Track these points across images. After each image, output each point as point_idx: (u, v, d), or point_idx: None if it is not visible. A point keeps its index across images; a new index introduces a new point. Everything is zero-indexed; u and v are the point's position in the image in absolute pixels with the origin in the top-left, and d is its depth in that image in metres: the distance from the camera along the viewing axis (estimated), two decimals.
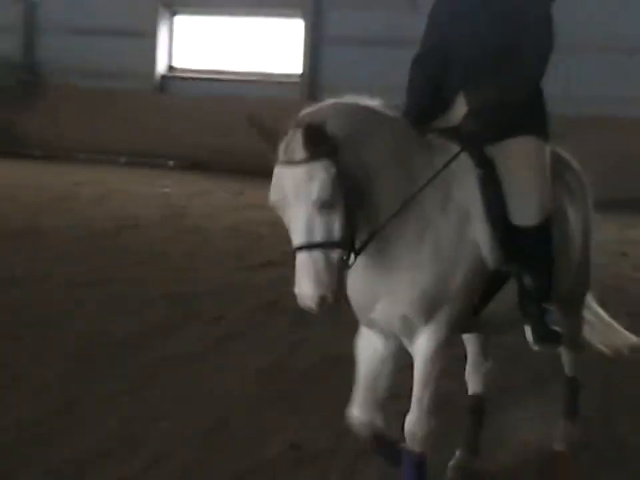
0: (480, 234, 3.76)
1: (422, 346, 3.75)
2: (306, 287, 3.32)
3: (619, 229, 12.47)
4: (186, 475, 4.38)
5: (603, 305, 5.65)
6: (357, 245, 3.56)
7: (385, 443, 4.03)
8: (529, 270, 3.87)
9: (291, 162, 3.33)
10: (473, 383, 4.69)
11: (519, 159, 3.87)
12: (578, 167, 4.60)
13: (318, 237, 3.35)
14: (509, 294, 3.91)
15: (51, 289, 7.79)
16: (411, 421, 3.79)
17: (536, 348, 4.02)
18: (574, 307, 4.68)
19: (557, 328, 3.97)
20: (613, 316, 5.58)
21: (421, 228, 3.71)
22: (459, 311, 3.76)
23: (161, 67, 19.18)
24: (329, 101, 3.66)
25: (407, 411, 3.94)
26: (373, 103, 3.76)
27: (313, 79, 17.90)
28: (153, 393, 5.44)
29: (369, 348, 4.01)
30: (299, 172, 3.31)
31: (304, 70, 18.11)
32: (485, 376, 4.68)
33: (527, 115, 3.91)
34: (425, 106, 3.97)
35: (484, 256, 3.78)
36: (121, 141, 17.97)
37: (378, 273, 3.74)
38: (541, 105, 4.05)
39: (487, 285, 3.82)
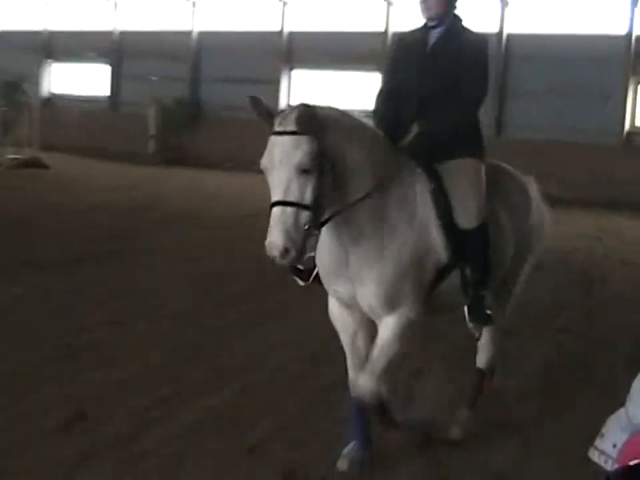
0: (436, 237, 4.40)
1: (386, 329, 4.36)
2: (275, 237, 3.84)
3: (596, 219, 16.42)
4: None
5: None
6: (324, 218, 4.11)
7: (381, 404, 4.52)
8: (470, 263, 4.52)
9: (282, 132, 3.92)
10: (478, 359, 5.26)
11: (462, 176, 4.53)
12: (523, 179, 5.25)
13: (292, 197, 3.88)
14: (452, 282, 4.52)
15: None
16: (364, 379, 4.40)
17: (470, 325, 4.78)
18: (504, 295, 5.19)
19: (489, 311, 4.62)
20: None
21: (390, 229, 4.31)
22: (417, 300, 4.36)
23: None
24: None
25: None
26: (365, 119, 4.41)
27: None
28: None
29: (341, 318, 4.65)
30: (287, 140, 3.90)
31: None
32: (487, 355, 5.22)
33: (466, 141, 4.61)
34: (387, 131, 4.50)
35: (439, 255, 4.41)
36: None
37: (343, 254, 4.32)
38: (478, 133, 4.74)
39: (437, 276, 4.46)
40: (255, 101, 3.98)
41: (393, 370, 4.53)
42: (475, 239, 4.51)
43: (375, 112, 4.69)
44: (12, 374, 5.78)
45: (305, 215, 3.90)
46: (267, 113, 4.00)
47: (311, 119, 3.91)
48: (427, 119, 4.50)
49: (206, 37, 26.28)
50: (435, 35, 4.64)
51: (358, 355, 4.62)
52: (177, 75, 26.07)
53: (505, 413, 5.57)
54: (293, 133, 3.91)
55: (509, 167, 5.24)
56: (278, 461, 4.61)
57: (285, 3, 24.88)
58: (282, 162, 3.89)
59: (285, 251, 3.84)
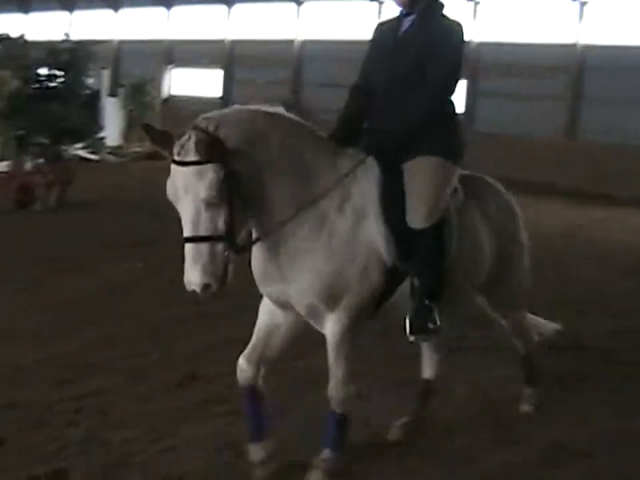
0: (375, 233, 4.12)
1: (330, 330, 4.18)
2: (191, 275, 3.68)
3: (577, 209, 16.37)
4: None
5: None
6: (246, 240, 4.01)
7: (255, 397, 4.34)
8: (416, 268, 4.22)
9: (182, 162, 3.62)
10: (425, 369, 5.06)
11: (419, 172, 4.24)
12: (507, 194, 5.02)
13: (203, 231, 3.67)
14: (405, 291, 4.27)
15: None
16: (331, 387, 4.26)
17: (408, 338, 4.33)
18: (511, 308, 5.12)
19: (431, 325, 4.25)
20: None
21: (318, 225, 4.07)
22: (360, 300, 4.14)
23: None
24: (231, 107, 4.00)
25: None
26: (275, 108, 4.07)
27: None
28: None
29: (269, 312, 4.42)
30: (189, 172, 3.62)
31: None
32: (436, 365, 5.02)
33: (433, 138, 4.28)
34: (347, 128, 4.36)
35: (381, 253, 4.14)
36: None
37: (274, 258, 4.10)
38: (450, 132, 4.42)
39: (387, 280, 4.19)
40: (147, 128, 3.73)
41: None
42: (423, 242, 4.20)
43: (343, 109, 4.49)
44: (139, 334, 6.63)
45: (221, 246, 3.72)
46: (161, 138, 3.71)
47: (211, 144, 3.63)
48: (393, 110, 4.29)
49: (308, 45, 27.84)
50: (407, 22, 4.43)
51: (260, 344, 4.39)
52: (281, 79, 27.54)
53: None
54: (193, 163, 3.63)
55: (494, 181, 5.03)
56: None
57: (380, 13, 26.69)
58: (187, 194, 3.65)
59: (205, 287, 3.71)
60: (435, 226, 4.25)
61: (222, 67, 30.32)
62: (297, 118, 4.19)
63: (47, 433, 4.85)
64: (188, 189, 3.65)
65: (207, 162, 3.65)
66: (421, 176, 4.28)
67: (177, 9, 31.98)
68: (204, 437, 4.84)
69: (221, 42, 30.30)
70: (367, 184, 4.21)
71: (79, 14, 34.91)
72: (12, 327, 6.85)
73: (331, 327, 4.17)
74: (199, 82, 31.01)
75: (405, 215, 4.22)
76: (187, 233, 3.70)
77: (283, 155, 4.00)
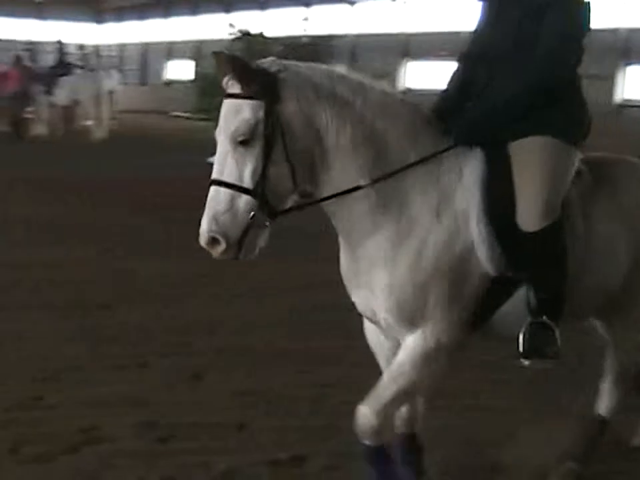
0: (478, 238, 3.42)
1: (403, 351, 3.47)
2: (203, 224, 3.20)
3: None
4: None
5: None
6: (281, 207, 3.32)
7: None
8: (531, 278, 3.50)
9: (227, 94, 3.28)
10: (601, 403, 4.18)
11: (527, 158, 3.49)
12: None
13: (227, 175, 3.21)
14: (517, 304, 3.54)
15: None
16: (364, 408, 3.44)
17: (523, 362, 3.58)
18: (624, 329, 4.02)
19: (549, 348, 3.53)
20: None
21: (404, 226, 3.41)
22: (449, 321, 3.44)
23: None
24: (318, 65, 3.53)
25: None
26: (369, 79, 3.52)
27: None
28: None
29: (373, 337, 3.85)
30: (229, 105, 3.26)
31: None
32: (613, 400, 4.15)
33: (546, 114, 3.52)
34: (450, 99, 3.74)
35: (481, 261, 3.44)
36: None
37: (354, 258, 3.52)
38: (567, 107, 3.59)
39: (492, 290, 3.48)
40: (222, 56, 3.29)
41: (402, 405, 3.67)
42: (537, 246, 3.45)
43: (449, 80, 3.87)
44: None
45: (244, 201, 3.22)
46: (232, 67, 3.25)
47: (257, 80, 3.21)
48: (493, 82, 3.60)
49: None
50: None
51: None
52: None
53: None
54: (235, 95, 3.26)
55: None
56: None
57: None
58: (222, 130, 3.29)
59: (212, 241, 3.23)
60: (552, 225, 3.48)
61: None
62: (390, 90, 3.64)
63: (287, 420, 4.86)
64: (224, 124, 3.28)
65: (247, 97, 3.24)
66: (529, 163, 3.50)
67: (412, 1, 32.00)
68: None
69: (456, 34, 30.00)
70: (468, 174, 3.51)
71: (315, 9, 35.82)
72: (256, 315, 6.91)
73: (407, 347, 3.49)
74: (436, 75, 30.89)
75: (514, 213, 3.49)
76: (213, 174, 3.28)
77: (353, 121, 3.38)
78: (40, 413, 4.81)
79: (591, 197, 3.69)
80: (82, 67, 24.54)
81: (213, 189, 3.24)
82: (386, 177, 3.39)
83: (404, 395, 3.51)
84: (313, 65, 3.50)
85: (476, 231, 3.44)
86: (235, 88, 3.25)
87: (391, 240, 3.40)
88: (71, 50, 26.59)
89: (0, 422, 4.64)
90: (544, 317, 3.52)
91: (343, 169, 3.37)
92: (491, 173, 3.49)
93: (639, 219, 3.81)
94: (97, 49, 34.94)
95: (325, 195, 3.40)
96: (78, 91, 21.50)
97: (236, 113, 3.23)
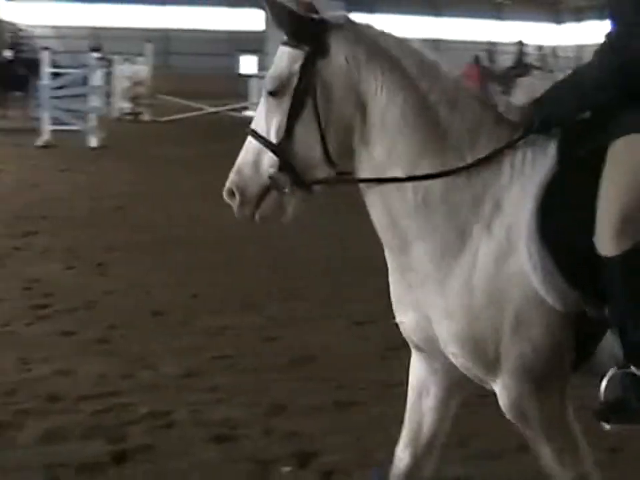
0: (525, 258, 2.71)
1: (502, 403, 2.86)
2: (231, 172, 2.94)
3: None
4: None
5: None
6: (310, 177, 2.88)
7: None
8: (612, 317, 2.71)
9: (282, 42, 2.94)
10: None
11: (617, 164, 2.68)
12: None
13: (259, 127, 2.90)
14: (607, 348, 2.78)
15: None
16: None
17: (607, 427, 2.79)
18: None
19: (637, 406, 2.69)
20: None
21: (457, 241, 2.78)
22: (527, 361, 2.74)
23: None
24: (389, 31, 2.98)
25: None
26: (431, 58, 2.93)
27: None
28: None
29: (412, 365, 3.16)
30: (278, 52, 2.94)
31: None
32: None
33: None
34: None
35: (536, 291, 2.71)
36: None
37: (404, 271, 2.92)
38: None
39: (571, 331, 2.75)
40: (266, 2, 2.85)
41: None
42: (616, 275, 2.66)
43: None
44: None
45: (267, 157, 2.87)
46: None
47: (302, 27, 2.83)
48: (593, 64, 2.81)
49: None
50: None
51: (413, 426, 3.11)
52: None
53: None
54: (284, 43, 2.93)
55: None
56: None
57: None
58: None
59: (230, 193, 2.90)
60: (633, 253, 2.62)
61: None
62: (465, 84, 2.97)
63: None
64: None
65: (291, 45, 2.84)
66: (618, 169, 2.66)
67: None
68: None
69: None
70: (527, 180, 2.76)
71: None
72: None
73: (501, 398, 2.83)
74: None
75: (585, 231, 2.67)
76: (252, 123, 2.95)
77: (409, 101, 2.81)
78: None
79: None
80: (539, 68, 24.14)
81: (248, 138, 2.92)
82: (430, 176, 2.79)
83: (571, 444, 2.84)
84: (390, 32, 2.95)
85: (525, 252, 2.70)
86: (284, 35, 2.90)
87: (440, 252, 2.79)
88: (530, 51, 26.33)
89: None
90: (631, 367, 2.69)
91: (385, 150, 2.83)
92: (557, 176, 2.73)
93: None
94: (554, 50, 34.34)
95: (362, 176, 2.88)
96: (535, 92, 21.07)
97: (277, 61, 2.89)
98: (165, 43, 46.68)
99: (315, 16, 2.87)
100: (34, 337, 5.92)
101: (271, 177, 2.84)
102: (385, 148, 2.84)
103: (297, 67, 2.83)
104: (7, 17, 39.93)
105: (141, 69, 26.43)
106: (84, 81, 19.31)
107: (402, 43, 2.91)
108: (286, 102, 2.84)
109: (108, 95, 24.02)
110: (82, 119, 18.37)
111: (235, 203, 2.89)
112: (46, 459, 4.12)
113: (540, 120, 2.80)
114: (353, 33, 2.86)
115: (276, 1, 2.83)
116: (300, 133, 2.84)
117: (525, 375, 2.77)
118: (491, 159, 2.79)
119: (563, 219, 2.71)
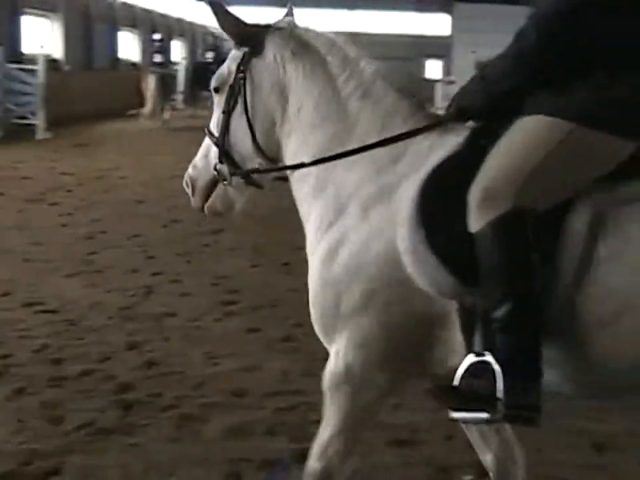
0: (401, 240, 2.67)
1: (327, 369, 2.87)
2: None
3: None
4: None
5: None
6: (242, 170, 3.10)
7: None
8: (482, 300, 2.58)
9: None
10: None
11: (497, 145, 2.63)
12: None
13: (211, 124, 3.16)
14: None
15: None
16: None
17: (449, 413, 2.64)
18: None
19: (487, 398, 2.49)
20: None
21: (330, 215, 2.86)
22: (363, 343, 2.74)
23: None
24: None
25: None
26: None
27: None
28: None
29: None
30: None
31: None
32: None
33: (548, 89, 2.61)
34: None
35: (411, 274, 2.65)
36: None
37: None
38: (589, 81, 2.56)
39: (430, 314, 2.68)
40: (214, 6, 3.08)
41: (348, 443, 2.88)
42: (480, 248, 2.53)
43: None
44: None
45: (214, 151, 3.13)
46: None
47: (241, 30, 3.08)
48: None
49: None
50: None
51: None
52: None
53: None
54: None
55: None
56: None
57: None
58: None
59: (185, 185, 3.23)
60: (496, 225, 2.48)
61: None
62: (388, 76, 3.02)
63: None
64: None
65: (234, 47, 3.15)
66: (494, 149, 2.60)
67: None
68: None
69: None
70: (424, 169, 2.72)
71: None
72: None
73: (328, 365, 2.85)
74: None
75: (463, 215, 2.55)
76: None
77: (323, 94, 2.97)
78: None
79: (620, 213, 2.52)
80: None
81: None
82: (326, 159, 2.91)
83: (340, 434, 2.82)
84: (326, 33, 3.12)
85: (400, 234, 2.66)
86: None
87: (316, 228, 2.90)
88: None
89: None
90: (487, 356, 2.50)
91: (298, 141, 3.01)
92: (444, 162, 2.71)
93: None
94: None
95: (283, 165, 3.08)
96: None
97: (226, 62, 3.17)
98: (421, 48, 47.01)
99: (259, 22, 3.14)
100: (221, 332, 6.08)
101: (215, 169, 3.11)
102: (298, 139, 3.01)
103: (234, 66, 3.09)
104: (200, 20, 41.44)
105: None
106: None
107: (332, 42, 3.07)
108: (224, 97, 3.11)
109: None
110: None
111: (189, 193, 3.20)
112: (229, 454, 4.19)
113: (453, 110, 2.81)
114: (287, 34, 3.07)
115: (221, 8, 3.05)
116: (234, 125, 3.09)
117: (362, 350, 2.76)
118: (384, 145, 2.84)
119: (441, 203, 2.67)
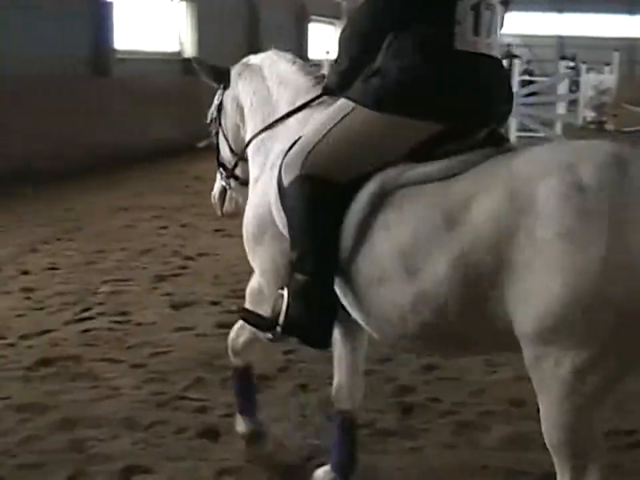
0: (274, 193, 3.29)
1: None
2: None
3: None
4: None
5: None
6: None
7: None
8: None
9: None
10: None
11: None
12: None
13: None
14: None
15: None
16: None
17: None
18: None
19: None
20: None
21: (256, 175, 3.64)
22: (264, 268, 3.50)
23: None
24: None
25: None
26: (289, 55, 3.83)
27: None
28: None
29: None
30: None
31: None
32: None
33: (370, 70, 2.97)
34: None
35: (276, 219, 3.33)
36: None
37: None
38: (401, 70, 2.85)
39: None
40: (198, 61, 4.09)
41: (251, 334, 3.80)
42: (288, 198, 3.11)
43: None
44: None
45: (221, 164, 4.14)
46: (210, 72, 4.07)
47: (213, 74, 4.04)
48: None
49: None
50: None
51: None
52: None
53: None
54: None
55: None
56: None
57: None
58: None
59: (213, 199, 4.24)
60: (293, 191, 3.04)
61: None
62: (294, 59, 3.76)
63: None
64: None
65: (219, 88, 4.07)
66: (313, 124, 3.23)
67: None
68: None
69: None
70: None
71: None
72: None
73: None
74: None
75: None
76: None
77: (257, 93, 3.79)
78: None
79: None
80: None
81: None
82: (253, 137, 3.73)
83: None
84: (283, 57, 3.79)
85: (273, 190, 3.26)
86: None
87: (253, 179, 3.63)
88: None
89: None
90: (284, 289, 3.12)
91: (250, 129, 3.79)
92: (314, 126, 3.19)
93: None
94: None
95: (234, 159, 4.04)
96: None
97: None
98: (630, 52, 45.38)
99: (221, 66, 4.02)
100: None
101: (222, 180, 4.12)
102: (249, 128, 3.82)
103: (218, 102, 4.04)
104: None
105: (607, 77, 25.78)
106: (551, 89, 19.27)
107: (271, 57, 3.84)
108: (217, 127, 4.08)
109: (574, 103, 23.77)
110: (548, 126, 18.35)
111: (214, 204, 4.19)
112: (508, 464, 4.12)
113: (326, 85, 3.38)
114: (241, 64, 3.95)
115: (201, 61, 4.05)
116: (220, 142, 4.10)
117: (261, 280, 3.52)
118: (287, 117, 3.55)
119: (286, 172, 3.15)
